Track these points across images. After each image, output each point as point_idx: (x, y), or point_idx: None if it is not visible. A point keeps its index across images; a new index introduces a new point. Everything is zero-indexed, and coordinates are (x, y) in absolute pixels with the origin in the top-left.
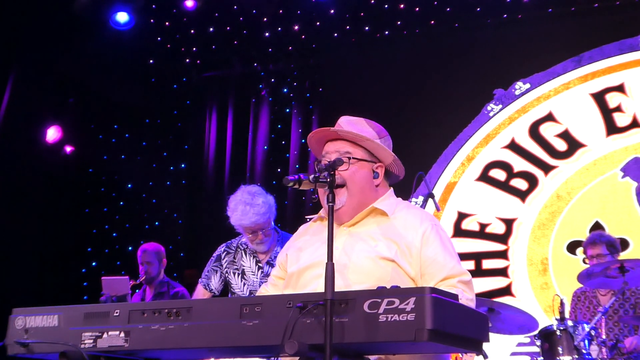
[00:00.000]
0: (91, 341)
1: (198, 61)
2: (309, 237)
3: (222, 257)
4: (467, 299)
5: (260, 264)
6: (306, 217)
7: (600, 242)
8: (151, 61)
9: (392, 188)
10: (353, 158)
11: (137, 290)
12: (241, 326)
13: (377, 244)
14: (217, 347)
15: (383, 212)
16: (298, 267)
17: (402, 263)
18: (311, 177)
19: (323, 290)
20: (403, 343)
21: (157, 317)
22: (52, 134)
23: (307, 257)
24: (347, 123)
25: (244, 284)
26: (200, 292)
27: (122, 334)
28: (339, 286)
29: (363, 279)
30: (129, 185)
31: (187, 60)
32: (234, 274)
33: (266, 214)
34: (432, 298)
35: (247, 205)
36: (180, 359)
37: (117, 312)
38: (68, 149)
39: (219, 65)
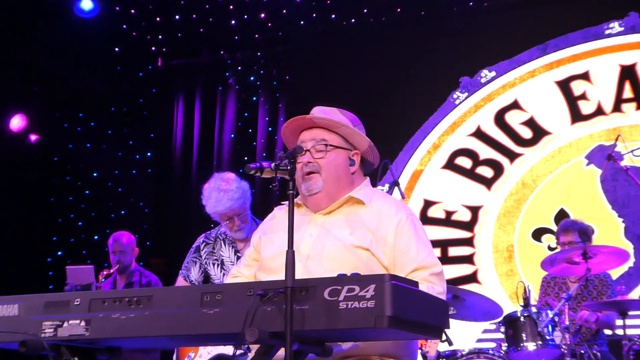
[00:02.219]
0: (52, 330)
1: (164, 49)
2: (282, 222)
3: (201, 248)
4: (437, 292)
5: (239, 254)
6: (282, 202)
7: (573, 230)
8: (117, 49)
9: (368, 178)
10: (330, 145)
11: (103, 280)
12: (202, 314)
13: (353, 233)
14: (178, 335)
15: (359, 201)
16: (268, 252)
17: (377, 252)
18: (272, 165)
19: (297, 276)
20: (363, 330)
21: (118, 305)
22: (17, 122)
23: (278, 243)
24: (321, 112)
25: (223, 275)
26: (180, 284)
27: (83, 323)
28: (314, 274)
29: (336, 267)
30: (95, 174)
31: (153, 48)
32: (213, 264)
33: (240, 199)
34: (391, 285)
35: (221, 192)
36: (141, 347)
37: (77, 301)
38: (33, 137)
39: (185, 53)
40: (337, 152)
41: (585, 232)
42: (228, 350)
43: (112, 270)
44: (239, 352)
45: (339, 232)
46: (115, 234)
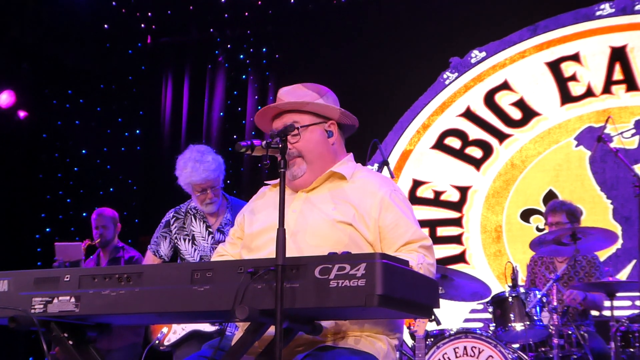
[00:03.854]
0: (41, 306)
1: (153, 26)
2: (267, 200)
3: (171, 222)
4: (428, 263)
5: (210, 229)
6: (265, 182)
7: (561, 210)
8: (106, 26)
9: (351, 153)
10: (301, 127)
11: (90, 256)
12: (192, 291)
13: (336, 208)
14: (167, 312)
15: (342, 176)
16: (253, 229)
17: (360, 227)
18: (263, 143)
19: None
20: (353, 308)
21: (108, 282)
22: (5, 98)
23: (262, 220)
24: (286, 94)
25: (195, 250)
26: (149, 259)
27: (73, 299)
28: (295, 250)
29: (320, 242)
30: (84, 151)
31: (142, 25)
32: (184, 239)
33: (216, 170)
34: (382, 264)
35: (197, 162)
36: (131, 324)
37: (67, 277)
38: (21, 114)
39: (174, 30)
40: (311, 130)
41: (573, 213)
42: (202, 326)
43: (94, 243)
44: (214, 328)
45: (322, 208)
46: (98, 209)
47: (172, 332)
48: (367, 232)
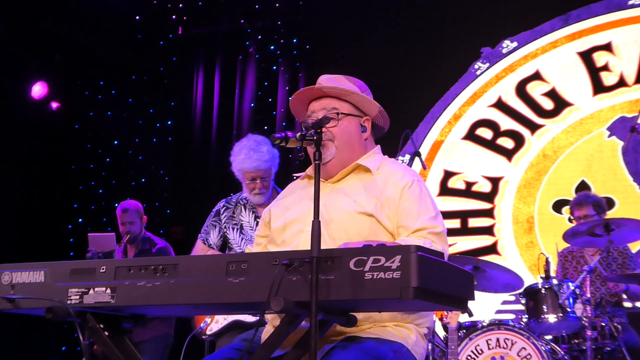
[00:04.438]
0: (77, 297)
1: (185, 18)
2: (295, 194)
3: (221, 212)
4: (435, 250)
5: (258, 219)
6: (293, 175)
7: (587, 203)
8: (138, 17)
9: (379, 145)
10: (341, 113)
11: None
12: (227, 283)
13: (357, 199)
14: (203, 303)
15: (367, 169)
16: (282, 221)
17: (381, 217)
18: (298, 134)
19: (305, 247)
20: (388, 300)
21: (144, 273)
22: (38, 90)
23: (290, 213)
24: (329, 80)
25: (242, 239)
26: (199, 247)
27: (109, 290)
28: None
29: (342, 234)
30: (116, 142)
31: (174, 16)
32: (233, 229)
33: (268, 161)
34: (417, 256)
35: (251, 151)
36: (165, 315)
37: (103, 269)
38: (54, 105)
39: (206, 22)
40: (348, 120)
41: (599, 205)
42: (244, 317)
43: (123, 241)
44: (255, 319)
45: (345, 199)
46: (123, 203)
47: (215, 322)
48: (387, 222)
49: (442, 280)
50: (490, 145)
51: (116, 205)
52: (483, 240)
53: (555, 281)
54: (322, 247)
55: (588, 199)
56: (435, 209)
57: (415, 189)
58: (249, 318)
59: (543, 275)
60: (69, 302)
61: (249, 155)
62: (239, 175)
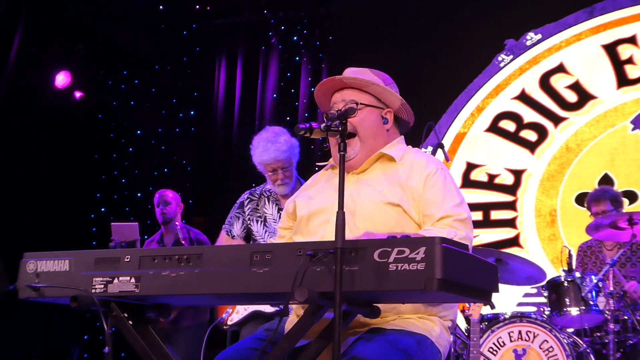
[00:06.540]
0: (102, 286)
1: (208, 8)
2: (319, 185)
3: (245, 204)
4: (460, 237)
5: (282, 212)
6: (317, 164)
7: (605, 198)
8: (161, 7)
9: (402, 136)
10: (361, 104)
11: (152, 236)
12: (251, 273)
13: (383, 189)
14: (227, 293)
15: (391, 158)
16: (307, 210)
17: (407, 208)
18: (322, 125)
19: (330, 237)
20: (412, 292)
21: (168, 263)
22: (62, 79)
23: (315, 203)
24: (352, 72)
25: (266, 231)
26: (223, 238)
27: (133, 280)
28: (347, 232)
29: (369, 224)
30: (138, 132)
31: (197, 6)
32: (257, 221)
33: (287, 152)
34: (442, 248)
35: (269, 142)
36: (190, 304)
37: (127, 258)
38: (77, 94)
39: (229, 12)
40: (368, 110)
41: (617, 199)
42: (263, 307)
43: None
44: (274, 309)
45: (370, 189)
46: (161, 190)
47: (236, 312)
48: (414, 212)
49: (466, 272)
50: (513, 137)
51: (139, 195)
52: (505, 233)
53: (577, 274)
54: (348, 237)
55: (605, 194)
56: (460, 196)
57: (439, 177)
58: (268, 308)
59: (565, 268)
60: (93, 291)
61: (266, 147)
62: (261, 168)
